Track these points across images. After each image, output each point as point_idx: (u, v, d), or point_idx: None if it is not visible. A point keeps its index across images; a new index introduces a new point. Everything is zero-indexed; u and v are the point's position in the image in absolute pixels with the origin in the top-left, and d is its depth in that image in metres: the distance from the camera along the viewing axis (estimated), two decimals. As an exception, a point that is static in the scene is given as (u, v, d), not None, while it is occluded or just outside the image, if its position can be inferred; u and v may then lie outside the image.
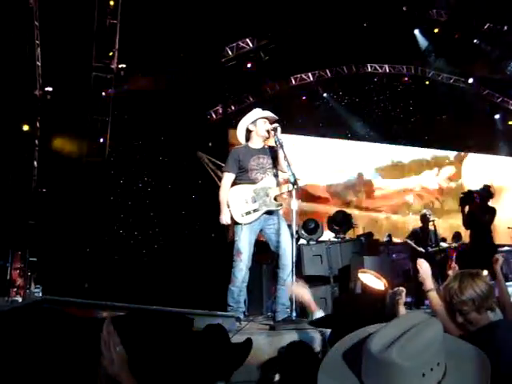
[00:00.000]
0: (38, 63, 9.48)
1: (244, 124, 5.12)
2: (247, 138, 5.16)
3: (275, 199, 4.89)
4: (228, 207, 4.94)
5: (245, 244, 4.77)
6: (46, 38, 9.41)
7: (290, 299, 4.42)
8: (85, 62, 9.88)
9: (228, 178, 5.00)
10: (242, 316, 4.71)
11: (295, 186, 4.57)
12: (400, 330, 1.24)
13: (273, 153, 5.03)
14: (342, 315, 2.52)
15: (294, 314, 4.37)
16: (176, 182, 10.94)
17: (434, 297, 3.19)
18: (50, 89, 9.58)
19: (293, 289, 3.48)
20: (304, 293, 3.48)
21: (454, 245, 9.37)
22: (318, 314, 3.31)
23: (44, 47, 9.49)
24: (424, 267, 3.45)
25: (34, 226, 8.57)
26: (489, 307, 2.61)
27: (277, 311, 4.73)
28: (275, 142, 4.89)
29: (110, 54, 10.01)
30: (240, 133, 5.20)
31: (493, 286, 2.86)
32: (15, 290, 7.62)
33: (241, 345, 2.19)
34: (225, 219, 4.86)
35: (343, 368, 1.33)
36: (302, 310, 4.19)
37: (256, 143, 5.07)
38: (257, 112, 5.10)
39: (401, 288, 3.48)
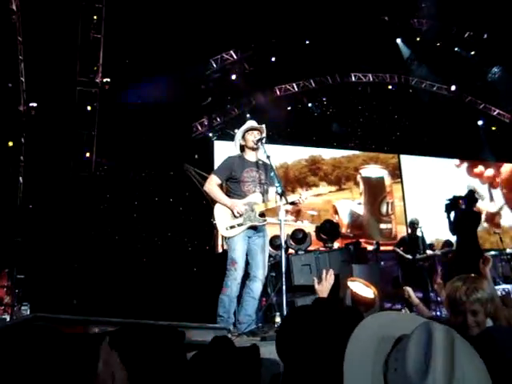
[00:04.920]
0: (22, 79, 9.44)
1: (236, 139, 5.23)
2: (242, 150, 5.24)
3: (261, 215, 4.94)
4: (214, 220, 5.00)
5: (239, 254, 4.81)
6: (30, 54, 9.38)
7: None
8: (69, 77, 9.85)
9: (214, 180, 5.06)
10: (232, 327, 4.70)
11: (282, 198, 4.61)
12: (444, 360, 1.23)
13: (265, 168, 5.10)
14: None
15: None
16: (163, 195, 10.92)
17: (421, 308, 3.66)
18: (34, 104, 9.53)
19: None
20: None
21: (438, 252, 9.41)
22: None
23: (28, 62, 9.45)
24: (408, 291, 3.80)
25: (21, 242, 8.49)
26: (492, 312, 2.63)
27: (242, 322, 4.75)
28: (263, 153, 4.95)
29: (95, 68, 10.00)
30: (235, 146, 5.29)
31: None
32: (3, 307, 7.53)
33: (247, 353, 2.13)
34: (237, 209, 4.87)
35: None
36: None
37: (249, 155, 5.15)
38: (245, 125, 5.19)
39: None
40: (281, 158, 12.86)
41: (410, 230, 9.50)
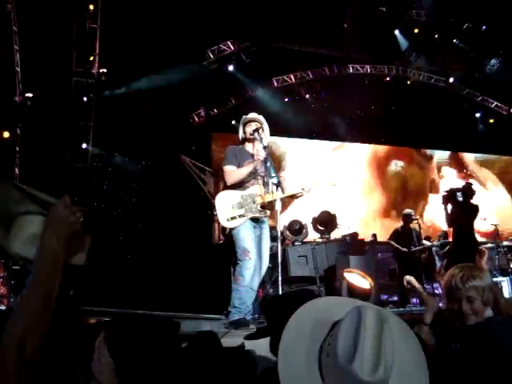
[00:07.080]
0: (18, 69, 9.38)
1: (240, 131, 5.22)
2: (242, 143, 5.24)
3: (262, 207, 4.91)
4: (215, 211, 4.97)
5: (249, 242, 4.78)
6: (26, 44, 9.32)
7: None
8: (65, 67, 9.80)
9: (229, 169, 4.99)
10: (249, 317, 4.67)
11: (279, 188, 4.60)
12: (372, 342, 1.24)
13: (264, 160, 5.05)
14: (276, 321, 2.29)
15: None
16: (160, 186, 10.89)
17: (426, 297, 3.18)
18: (30, 95, 9.49)
19: None
20: None
21: (435, 243, 9.40)
22: None
23: (23, 53, 9.39)
24: (410, 280, 3.46)
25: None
26: (491, 301, 2.59)
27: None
28: (260, 143, 4.94)
29: (91, 58, 9.95)
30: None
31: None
32: (-2, 298, 7.52)
33: (233, 351, 2.15)
34: (255, 164, 4.90)
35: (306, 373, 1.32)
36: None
37: (248, 147, 5.13)
38: (244, 117, 5.19)
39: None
40: (278, 149, 12.84)
41: (403, 222, 9.45)
